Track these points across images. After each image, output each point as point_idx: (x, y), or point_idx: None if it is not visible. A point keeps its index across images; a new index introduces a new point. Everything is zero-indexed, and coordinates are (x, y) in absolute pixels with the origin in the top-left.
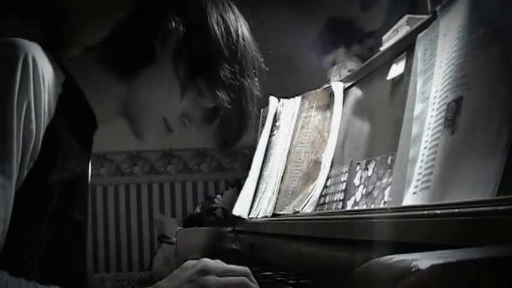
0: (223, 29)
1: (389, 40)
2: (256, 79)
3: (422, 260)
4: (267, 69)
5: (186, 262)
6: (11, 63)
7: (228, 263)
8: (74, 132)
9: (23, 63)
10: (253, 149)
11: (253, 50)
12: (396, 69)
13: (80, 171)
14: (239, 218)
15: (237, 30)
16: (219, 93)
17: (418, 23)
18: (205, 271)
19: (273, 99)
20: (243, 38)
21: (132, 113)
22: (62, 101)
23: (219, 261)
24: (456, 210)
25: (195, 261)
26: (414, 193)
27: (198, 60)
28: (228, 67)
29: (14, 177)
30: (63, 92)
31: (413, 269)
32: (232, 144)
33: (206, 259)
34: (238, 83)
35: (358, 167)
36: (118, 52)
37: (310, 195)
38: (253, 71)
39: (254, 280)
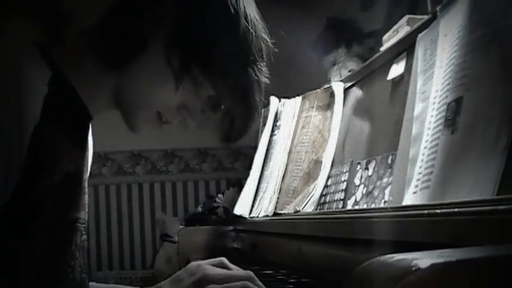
0: (220, 9)
1: (389, 40)
2: (263, 64)
3: (423, 259)
4: (276, 50)
5: (191, 264)
6: None
7: (230, 262)
8: (65, 130)
9: (3, 70)
10: (254, 148)
11: (259, 31)
12: (396, 69)
13: (73, 169)
14: (240, 217)
15: (237, 10)
16: (218, 82)
17: (418, 23)
18: (204, 280)
19: (273, 99)
20: (246, 18)
21: (124, 104)
22: (48, 101)
23: (225, 260)
24: (456, 209)
25: (196, 265)
26: (414, 193)
27: (191, 46)
28: (228, 52)
29: None
30: (49, 91)
31: (413, 268)
32: (237, 138)
33: (206, 266)
34: (240, 69)
35: (359, 167)
36: (106, 40)
37: (310, 195)
38: (260, 54)
39: (260, 284)
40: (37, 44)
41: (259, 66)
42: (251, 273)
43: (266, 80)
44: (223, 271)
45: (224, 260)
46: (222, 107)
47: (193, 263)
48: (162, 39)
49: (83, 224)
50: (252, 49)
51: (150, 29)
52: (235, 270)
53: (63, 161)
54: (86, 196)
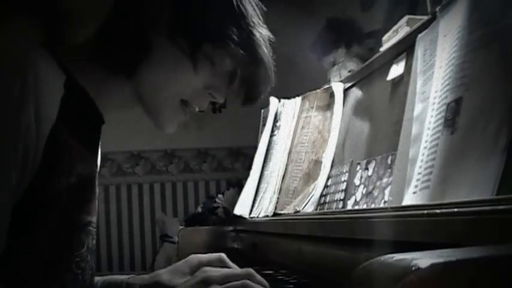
0: None
1: (389, 41)
2: (262, 23)
3: (422, 259)
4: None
5: (191, 256)
6: (8, 73)
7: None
8: (79, 133)
9: (21, 71)
10: (254, 149)
11: None
12: (396, 70)
13: (87, 172)
14: (240, 217)
15: None
16: (231, 52)
17: (418, 24)
18: (206, 281)
19: (273, 100)
20: None
21: (148, 103)
22: (65, 102)
23: (224, 256)
24: (456, 209)
25: (197, 259)
26: (414, 193)
27: (196, 29)
28: (230, 23)
29: (11, 190)
30: (65, 93)
31: (413, 268)
32: (258, 97)
33: (207, 268)
34: (246, 35)
35: (359, 167)
36: (109, 50)
37: (310, 195)
38: (258, 16)
39: (260, 278)
40: (48, 47)
41: (261, 27)
42: (250, 270)
43: (270, 36)
44: (223, 270)
45: (223, 255)
46: (238, 73)
47: (193, 256)
48: (166, 30)
49: (95, 228)
50: (250, 14)
51: (152, 25)
52: (234, 267)
53: (79, 163)
54: (97, 201)
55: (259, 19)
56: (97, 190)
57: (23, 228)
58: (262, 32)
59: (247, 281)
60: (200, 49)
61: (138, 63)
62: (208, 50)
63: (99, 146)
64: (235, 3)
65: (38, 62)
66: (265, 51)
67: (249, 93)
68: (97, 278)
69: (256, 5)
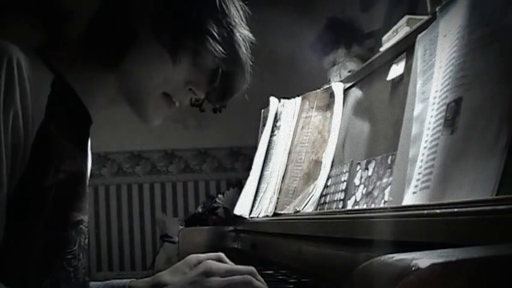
0: None
1: (389, 41)
2: (244, 24)
3: (422, 259)
4: (250, 13)
5: (190, 256)
6: None
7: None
8: (68, 131)
9: (6, 69)
10: (254, 149)
11: None
12: (396, 70)
13: (76, 170)
14: (240, 217)
15: None
16: (210, 48)
17: (418, 24)
18: (208, 273)
19: (273, 100)
20: None
21: (131, 97)
22: (52, 101)
23: (222, 255)
24: (456, 209)
25: (196, 257)
26: (414, 193)
27: (176, 22)
28: (211, 20)
29: (4, 187)
30: (52, 91)
31: (413, 268)
32: (230, 96)
33: (210, 261)
34: (227, 34)
35: (359, 167)
36: (97, 42)
37: (310, 195)
38: (241, 17)
39: (260, 278)
40: (37, 46)
41: (242, 27)
42: (253, 268)
43: (250, 36)
44: (226, 265)
45: (221, 255)
46: (220, 72)
47: (192, 256)
48: (149, 23)
49: (86, 227)
50: (232, 12)
51: (137, 19)
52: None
53: (67, 160)
54: (87, 200)
55: (242, 20)
56: (87, 189)
57: (12, 225)
58: (243, 33)
59: (249, 276)
60: (180, 42)
61: (124, 52)
62: (189, 44)
63: (89, 144)
64: (217, 2)
65: (23, 62)
66: (244, 51)
67: (222, 91)
68: (97, 283)
69: (241, 7)
